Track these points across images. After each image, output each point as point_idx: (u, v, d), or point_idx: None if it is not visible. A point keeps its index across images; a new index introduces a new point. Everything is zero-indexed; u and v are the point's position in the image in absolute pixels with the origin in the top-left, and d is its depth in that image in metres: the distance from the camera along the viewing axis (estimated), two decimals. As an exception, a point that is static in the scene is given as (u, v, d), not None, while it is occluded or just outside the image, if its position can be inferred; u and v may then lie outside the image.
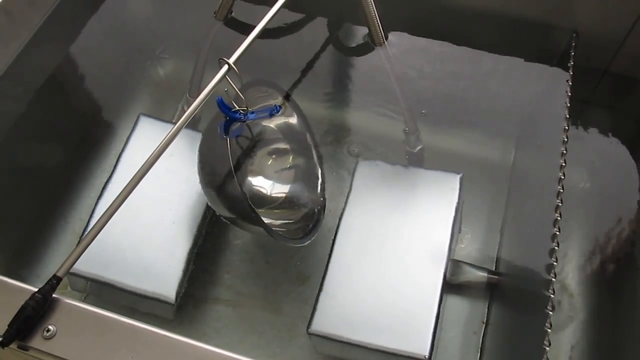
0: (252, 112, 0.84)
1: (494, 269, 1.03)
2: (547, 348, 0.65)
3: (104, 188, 0.98)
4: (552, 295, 0.68)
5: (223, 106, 0.79)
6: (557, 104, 0.91)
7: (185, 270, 0.94)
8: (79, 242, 0.67)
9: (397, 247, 0.93)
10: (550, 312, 0.67)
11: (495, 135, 1.11)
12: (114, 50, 1.16)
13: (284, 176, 0.95)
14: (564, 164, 0.79)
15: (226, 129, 0.81)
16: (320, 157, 0.98)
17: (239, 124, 0.86)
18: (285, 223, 0.93)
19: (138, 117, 1.03)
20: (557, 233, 0.74)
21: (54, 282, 0.61)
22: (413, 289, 0.90)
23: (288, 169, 0.96)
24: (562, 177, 0.78)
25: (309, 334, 0.88)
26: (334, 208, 1.02)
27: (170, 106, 1.14)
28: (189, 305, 0.99)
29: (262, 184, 0.95)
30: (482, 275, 1.01)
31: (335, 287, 0.91)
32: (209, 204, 0.89)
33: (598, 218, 1.06)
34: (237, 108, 0.81)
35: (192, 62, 1.14)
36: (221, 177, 0.84)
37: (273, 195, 0.95)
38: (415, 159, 1.04)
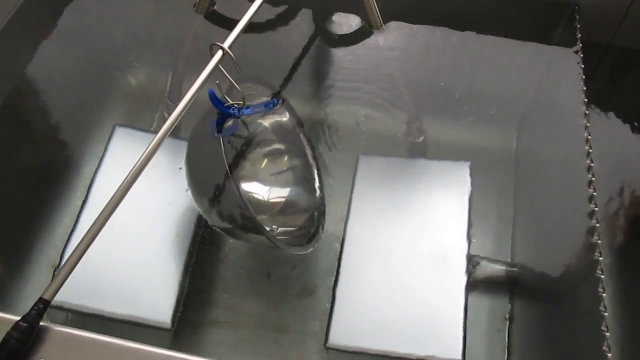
0: (248, 107, 0.75)
1: (509, 260, 0.95)
2: (607, 333, 0.58)
3: (81, 209, 0.89)
4: (602, 276, 0.62)
5: (215, 100, 0.71)
6: (567, 86, 0.86)
7: (180, 293, 0.86)
8: (67, 260, 0.58)
9: (411, 247, 0.87)
10: (603, 295, 0.60)
11: (494, 121, 1.06)
12: (78, 61, 1.07)
13: (280, 179, 0.88)
14: (590, 150, 0.74)
15: (219, 126, 0.73)
16: (315, 157, 0.91)
17: (231, 121, 0.77)
18: (286, 230, 0.85)
19: (113, 129, 0.96)
20: (595, 209, 0.67)
21: (41, 306, 0.52)
22: (434, 290, 0.83)
23: (284, 172, 0.88)
24: (591, 164, 0.72)
25: (327, 348, 0.81)
26: (335, 211, 0.95)
27: (146, 117, 1.05)
28: (186, 330, 0.90)
29: (258, 189, 0.88)
30: (500, 269, 0.94)
31: (349, 296, 0.84)
32: (201, 213, 0.80)
33: (608, 197, 1.00)
34: (231, 102, 0.73)
35: (167, 70, 1.06)
36: (215, 182, 0.76)
37: (271, 200, 0.87)
38: (419, 149, 0.97)
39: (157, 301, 0.83)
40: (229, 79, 0.69)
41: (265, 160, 0.88)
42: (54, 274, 0.83)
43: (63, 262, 0.67)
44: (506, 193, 1.02)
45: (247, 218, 0.74)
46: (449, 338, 0.79)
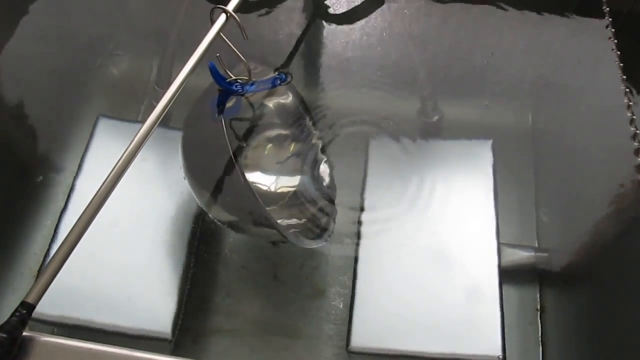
0: (252, 83, 0.67)
1: (536, 245, 0.88)
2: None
3: (63, 210, 0.79)
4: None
5: (216, 75, 0.62)
6: (595, 61, 0.78)
7: (180, 299, 0.78)
8: (51, 259, 0.49)
9: (435, 236, 0.79)
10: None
11: (508, 99, 0.99)
12: (55, 51, 0.98)
13: (287, 167, 0.80)
14: (637, 131, 0.67)
15: (220, 106, 0.64)
16: (322, 143, 0.82)
17: (234, 100, 0.69)
18: (295, 223, 0.77)
19: (97, 120, 0.87)
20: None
21: (24, 312, 0.42)
22: (465, 282, 0.76)
23: (290, 159, 0.79)
24: (638, 145, 0.65)
25: (350, 352, 0.73)
26: (346, 202, 0.86)
27: (131, 108, 0.96)
28: (187, 340, 0.82)
29: (264, 178, 0.79)
30: (528, 255, 0.87)
31: (370, 293, 0.76)
32: (201, 206, 0.71)
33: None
34: (234, 77, 0.64)
35: (152, 57, 0.96)
36: (217, 170, 0.67)
37: (278, 191, 0.79)
38: (434, 130, 0.89)
39: (155, 309, 0.76)
40: (233, 49, 0.60)
41: (270, 146, 0.80)
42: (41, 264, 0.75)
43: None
44: (526, 175, 0.94)
45: (255, 209, 0.65)
46: (486, 333, 0.71)
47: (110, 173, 0.56)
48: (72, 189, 0.81)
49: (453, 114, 0.93)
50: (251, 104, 0.74)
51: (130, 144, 0.58)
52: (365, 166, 0.84)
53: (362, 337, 0.73)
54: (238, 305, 0.87)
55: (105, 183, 0.55)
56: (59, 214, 0.81)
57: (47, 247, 0.78)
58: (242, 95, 0.69)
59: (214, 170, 0.69)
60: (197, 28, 0.66)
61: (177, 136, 0.76)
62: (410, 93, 0.93)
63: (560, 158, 0.91)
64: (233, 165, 0.66)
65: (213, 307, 0.86)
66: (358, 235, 0.80)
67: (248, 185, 0.65)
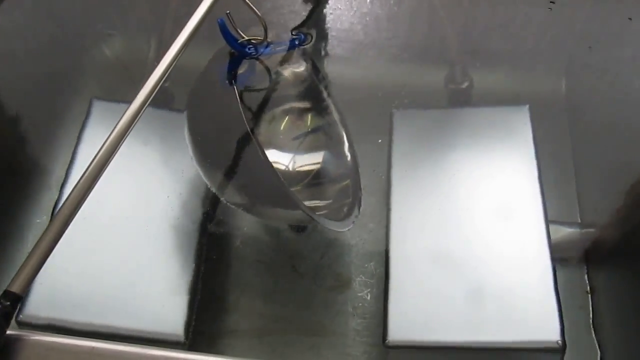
0: (268, 45, 0.59)
1: (579, 221, 0.81)
2: None
3: (57, 202, 0.73)
4: None
5: (227, 34, 0.54)
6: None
7: (192, 297, 0.71)
8: (37, 244, 0.41)
9: (474, 215, 0.71)
10: None
11: (539, 63, 0.92)
12: (40, 30, 0.91)
13: (305, 144, 0.72)
14: None
15: (232, 71, 0.56)
16: (342, 115, 0.74)
17: (246, 65, 0.61)
18: (318, 205, 0.69)
19: (91, 103, 0.79)
20: None
21: (7, 303, 0.34)
22: (512, 262, 0.68)
23: (309, 134, 0.72)
24: None
25: (388, 347, 0.64)
26: (373, 179, 0.80)
27: (125, 92, 0.88)
28: (202, 343, 0.74)
29: (281, 157, 0.72)
30: (572, 231, 0.79)
31: (405, 280, 0.69)
32: (212, 188, 0.64)
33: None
34: (246, 38, 0.56)
35: (149, 37, 0.89)
36: (230, 145, 0.59)
37: (297, 170, 0.71)
38: (463, 97, 0.81)
39: (164, 309, 0.68)
40: (244, 1, 0.52)
41: (286, 120, 0.72)
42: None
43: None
44: (563, 144, 0.87)
45: (276, 188, 0.57)
46: (541, 317, 0.63)
47: (95, 157, 0.49)
48: (65, 180, 0.74)
49: (482, 80, 0.85)
50: (267, 69, 0.66)
51: (119, 123, 0.52)
52: (390, 140, 0.77)
53: (401, 329, 0.65)
54: (255, 303, 0.80)
55: (90, 169, 0.49)
56: (52, 208, 0.74)
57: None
58: (257, 58, 0.61)
59: (227, 147, 0.61)
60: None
61: (181, 119, 0.69)
62: (437, 58, 0.85)
63: (600, 125, 0.84)
64: (249, 139, 0.58)
65: (228, 306, 0.79)
66: (387, 217, 0.73)
67: (268, 161, 0.56)
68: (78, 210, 0.47)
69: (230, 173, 0.61)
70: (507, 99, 0.84)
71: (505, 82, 0.88)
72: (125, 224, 0.71)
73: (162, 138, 0.76)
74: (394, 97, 0.82)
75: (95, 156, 0.49)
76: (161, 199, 0.73)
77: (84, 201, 0.48)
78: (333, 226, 0.62)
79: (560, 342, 0.61)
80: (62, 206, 0.46)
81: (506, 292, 0.66)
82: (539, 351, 0.62)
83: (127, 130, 0.51)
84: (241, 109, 0.57)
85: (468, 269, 0.68)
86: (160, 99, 0.79)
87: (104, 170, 0.49)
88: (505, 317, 0.64)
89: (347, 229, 0.65)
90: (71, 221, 0.46)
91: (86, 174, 0.48)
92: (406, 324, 0.65)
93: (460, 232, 0.70)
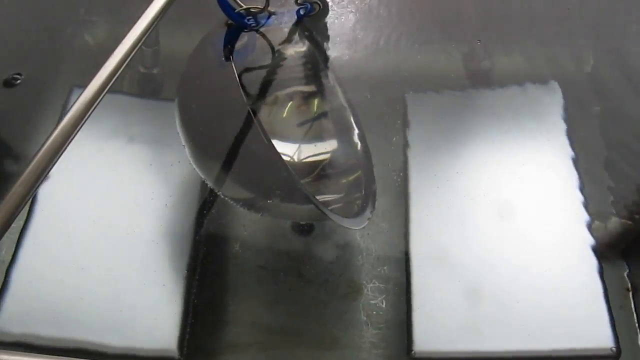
0: (269, 15, 0.52)
1: (614, 212, 0.74)
2: None
3: (33, 201, 0.66)
4: None
5: (224, 2, 0.47)
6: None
7: (185, 309, 0.65)
8: None
9: (508, 207, 0.65)
10: None
11: (562, 41, 0.85)
12: (20, 16, 0.86)
13: (312, 132, 0.64)
14: None
15: (229, 45, 0.49)
16: (350, 100, 0.69)
17: (245, 39, 0.53)
18: (329, 200, 0.62)
19: (70, 91, 0.75)
20: None
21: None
22: (552, 264, 0.61)
23: (315, 121, 0.65)
24: None
25: (414, 359, 0.56)
26: (388, 170, 0.72)
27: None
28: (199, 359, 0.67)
29: (285, 147, 0.65)
30: (610, 225, 0.71)
31: (430, 284, 0.63)
32: (207, 182, 0.56)
33: None
34: (245, 7, 0.49)
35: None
36: (228, 130, 0.51)
37: (304, 161, 0.63)
38: (483, 77, 0.76)
39: (156, 322, 0.62)
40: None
41: (290, 104, 0.65)
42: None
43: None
44: (589, 124, 0.79)
45: (282, 181, 0.49)
46: (591, 321, 0.57)
47: (40, 150, 0.42)
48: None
49: (502, 59, 0.78)
50: (270, 44, 0.59)
51: (70, 110, 0.45)
52: (405, 126, 0.71)
53: (428, 338, 0.59)
54: (257, 313, 0.72)
55: (33, 164, 0.42)
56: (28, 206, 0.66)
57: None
58: (257, 31, 0.53)
59: (225, 133, 0.53)
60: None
61: (171, 109, 0.62)
62: (455, 36, 0.77)
63: (631, 107, 0.77)
64: (250, 123, 0.50)
65: (226, 317, 0.71)
66: (406, 215, 0.67)
67: (273, 147, 0.49)
68: (20, 210, 0.39)
69: (229, 163, 0.54)
70: (533, 78, 0.77)
71: (527, 61, 0.81)
72: (109, 229, 0.65)
73: (150, 131, 0.70)
74: (407, 81, 0.75)
75: (40, 149, 0.42)
76: (149, 199, 0.67)
77: (28, 200, 0.41)
78: (347, 223, 0.55)
79: (614, 348, 0.54)
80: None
81: (548, 295, 0.59)
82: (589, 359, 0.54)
83: (81, 121, 0.45)
84: (240, 87, 0.49)
85: (501, 269, 0.61)
86: (148, 88, 0.73)
87: (53, 165, 0.42)
88: (548, 322, 0.58)
89: (361, 226, 0.58)
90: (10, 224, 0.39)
91: (29, 169, 0.41)
92: (434, 332, 0.59)
93: (490, 228, 0.64)
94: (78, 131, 0.44)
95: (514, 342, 0.56)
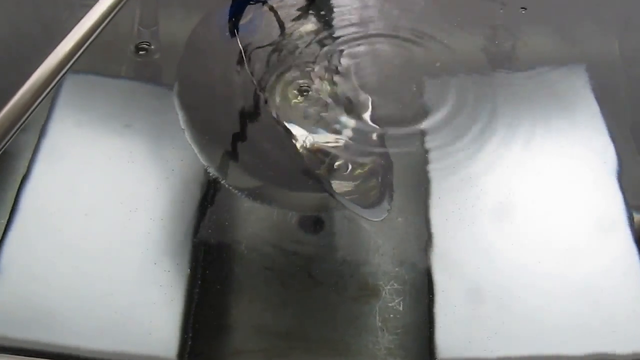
0: None
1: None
2: None
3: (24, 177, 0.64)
4: None
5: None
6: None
7: (186, 312, 0.62)
8: None
9: (539, 197, 0.61)
10: None
11: (590, 23, 0.82)
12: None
13: (323, 117, 0.61)
14: None
15: (235, 18, 0.45)
16: (364, 85, 0.66)
17: (250, 15, 0.49)
18: (344, 190, 0.58)
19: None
20: None
21: None
22: (591, 260, 0.57)
23: (326, 105, 0.63)
24: None
25: (439, 366, 0.52)
26: (405, 158, 0.68)
27: (101, 66, 0.77)
28: None
29: (294, 130, 0.59)
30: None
31: (454, 284, 0.59)
32: (209, 169, 0.52)
33: None
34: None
35: (125, 10, 0.78)
36: (233, 111, 0.47)
37: (315, 147, 0.60)
38: (506, 59, 0.73)
39: (154, 326, 0.59)
40: None
41: (301, 85, 0.59)
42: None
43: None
44: (618, 108, 0.76)
45: (295, 167, 0.45)
46: (632, 322, 0.51)
47: None
48: (34, 154, 0.65)
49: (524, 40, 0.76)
50: (279, 20, 0.55)
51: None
52: (423, 111, 0.67)
53: (454, 343, 0.54)
54: (263, 318, 0.68)
55: None
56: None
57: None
58: (265, 2, 0.49)
59: (230, 115, 0.49)
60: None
61: (170, 94, 0.60)
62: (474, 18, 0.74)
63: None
64: (259, 105, 0.46)
65: (230, 322, 0.67)
66: (425, 206, 0.63)
67: (285, 131, 0.44)
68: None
69: (234, 148, 0.49)
70: (553, 61, 0.74)
71: (550, 43, 0.78)
72: (102, 223, 0.61)
73: (148, 117, 0.67)
74: (425, 64, 0.72)
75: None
76: (147, 190, 0.63)
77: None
78: (366, 214, 0.50)
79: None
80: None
81: (585, 294, 0.55)
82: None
83: (32, 103, 0.42)
84: (246, 64, 0.45)
85: (532, 268, 0.57)
86: (145, 72, 0.69)
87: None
88: (585, 325, 0.54)
89: (380, 218, 0.54)
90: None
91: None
92: (459, 337, 0.55)
93: (518, 223, 0.59)
94: (27, 118, 0.42)
95: (547, 347, 0.53)
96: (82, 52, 0.45)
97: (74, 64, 0.44)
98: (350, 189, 0.61)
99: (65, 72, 0.43)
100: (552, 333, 0.53)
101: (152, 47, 0.66)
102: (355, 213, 0.52)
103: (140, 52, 0.70)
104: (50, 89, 0.42)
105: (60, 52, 0.43)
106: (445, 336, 0.55)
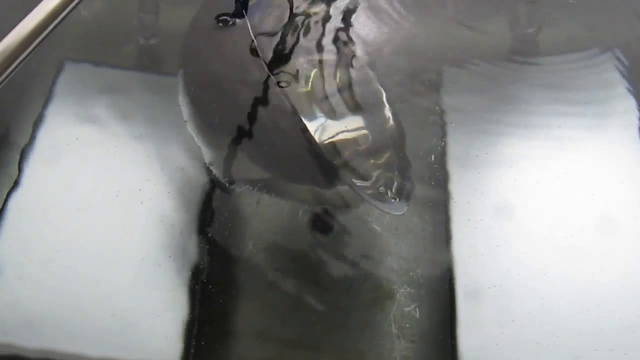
0: None
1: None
2: None
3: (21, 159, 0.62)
4: None
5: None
6: None
7: (190, 317, 0.59)
8: None
9: (573, 192, 0.58)
10: None
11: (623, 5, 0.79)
12: None
13: (337, 105, 0.62)
14: None
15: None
16: (379, 75, 0.63)
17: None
18: (362, 184, 0.55)
19: (61, 65, 0.69)
20: None
21: None
22: (629, 262, 0.54)
23: (340, 93, 0.61)
24: None
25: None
26: (419, 155, 0.64)
27: (101, 55, 0.75)
28: None
29: (307, 120, 0.56)
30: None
31: (478, 291, 0.55)
32: (211, 165, 0.48)
33: None
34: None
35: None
36: (241, 98, 0.44)
37: (330, 138, 0.57)
38: (530, 44, 0.70)
39: (154, 332, 0.55)
40: None
41: (314, 73, 0.58)
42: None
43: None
44: None
45: (309, 157, 0.42)
46: None
47: None
48: (31, 139, 0.63)
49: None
50: (290, 2, 0.52)
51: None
52: (442, 104, 0.64)
53: (477, 354, 0.52)
54: (271, 324, 0.66)
55: None
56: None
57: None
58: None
59: (238, 104, 0.45)
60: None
61: (171, 83, 0.58)
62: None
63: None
64: (270, 93, 0.43)
65: (236, 328, 0.64)
66: (444, 203, 0.59)
67: (298, 117, 0.41)
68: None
69: (242, 139, 0.46)
70: (579, 47, 0.71)
71: (575, 28, 0.75)
72: (99, 221, 0.58)
73: (148, 107, 0.65)
74: (445, 51, 0.69)
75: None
76: (146, 185, 0.60)
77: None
78: (385, 208, 0.47)
79: None
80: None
81: (625, 301, 0.52)
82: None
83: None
84: (256, 45, 0.42)
85: (564, 271, 0.54)
86: (146, 61, 0.66)
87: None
88: (625, 333, 0.49)
89: (401, 212, 0.50)
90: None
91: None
92: (484, 346, 0.51)
93: (549, 222, 0.56)
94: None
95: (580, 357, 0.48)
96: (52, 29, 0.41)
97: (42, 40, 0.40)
98: (367, 181, 0.57)
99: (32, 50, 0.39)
100: (587, 342, 0.49)
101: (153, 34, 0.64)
102: (374, 206, 0.48)
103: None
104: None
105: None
106: (469, 343, 0.52)
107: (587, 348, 0.51)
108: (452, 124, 0.62)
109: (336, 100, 0.60)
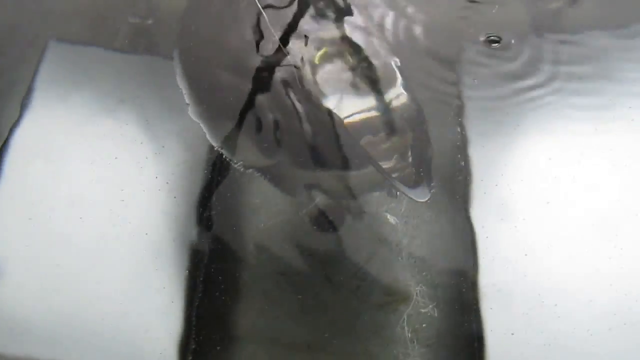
0: None
1: None
2: None
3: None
4: None
5: None
6: None
7: (187, 321, 0.56)
8: None
9: (606, 189, 0.55)
10: None
11: None
12: None
13: (350, 86, 0.57)
14: None
15: None
16: (395, 57, 0.59)
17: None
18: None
19: (46, 44, 0.66)
20: None
21: None
22: None
23: (353, 73, 0.56)
24: None
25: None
26: (443, 132, 0.62)
27: (98, 35, 0.70)
28: None
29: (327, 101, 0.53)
30: None
31: (506, 294, 0.52)
32: (217, 148, 0.44)
33: None
34: None
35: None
36: (246, 76, 0.39)
37: (344, 119, 0.52)
38: (550, 20, 0.67)
39: (151, 337, 0.52)
40: None
41: (324, 51, 0.54)
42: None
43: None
44: None
45: (332, 137, 0.39)
46: None
47: None
48: (18, 119, 0.59)
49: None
50: None
51: None
52: (460, 88, 0.61)
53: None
54: (276, 327, 0.63)
55: None
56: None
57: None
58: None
59: (243, 81, 0.41)
60: None
61: (168, 66, 0.56)
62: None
63: None
64: (280, 70, 0.39)
65: (239, 332, 0.62)
66: (463, 197, 0.54)
67: (315, 98, 0.37)
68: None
69: (248, 118, 0.41)
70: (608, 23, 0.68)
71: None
72: (92, 216, 0.54)
73: (144, 91, 0.61)
74: (464, 29, 0.65)
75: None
76: (142, 178, 0.56)
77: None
78: (410, 194, 0.43)
79: None
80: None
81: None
82: None
83: None
84: (267, 21, 0.37)
85: (593, 272, 0.51)
86: (141, 42, 0.63)
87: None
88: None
89: (424, 199, 0.48)
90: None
91: None
92: (514, 353, 0.48)
93: (583, 220, 0.53)
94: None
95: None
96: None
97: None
98: (387, 165, 0.54)
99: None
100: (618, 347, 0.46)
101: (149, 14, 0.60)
102: (400, 191, 0.45)
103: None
104: None
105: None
106: (498, 353, 0.48)
107: (617, 352, 0.48)
108: (472, 112, 0.59)
109: (352, 78, 0.56)
